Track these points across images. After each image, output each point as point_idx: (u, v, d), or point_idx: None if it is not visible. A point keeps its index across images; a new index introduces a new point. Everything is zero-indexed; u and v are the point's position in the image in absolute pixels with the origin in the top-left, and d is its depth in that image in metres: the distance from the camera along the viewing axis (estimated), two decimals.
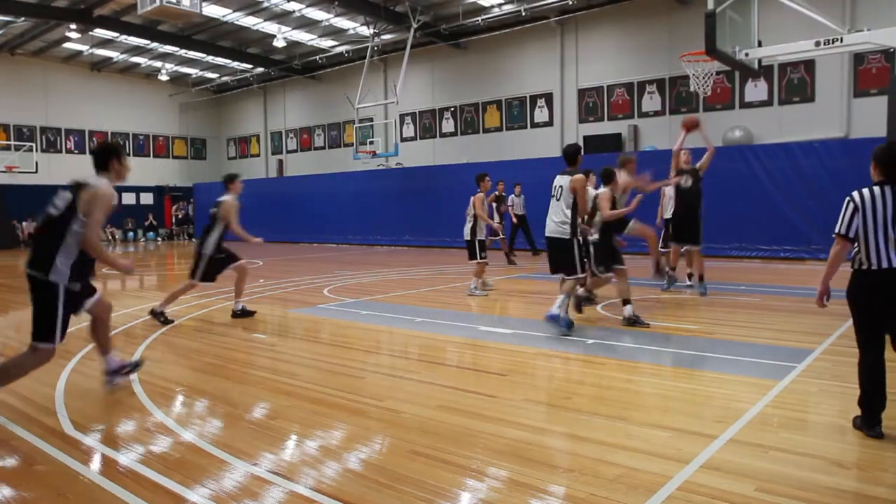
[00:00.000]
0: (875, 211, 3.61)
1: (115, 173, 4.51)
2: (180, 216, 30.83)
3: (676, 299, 8.98)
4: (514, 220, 15.88)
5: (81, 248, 4.22)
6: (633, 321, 6.87)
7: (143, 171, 30.27)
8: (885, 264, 3.58)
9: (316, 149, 28.34)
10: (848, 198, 3.70)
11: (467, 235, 9.88)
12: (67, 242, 4.20)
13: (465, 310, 8.57)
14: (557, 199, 6.63)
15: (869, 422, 3.65)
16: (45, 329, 4.22)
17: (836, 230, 3.72)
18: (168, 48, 24.93)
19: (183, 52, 25.48)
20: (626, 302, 6.95)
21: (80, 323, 7.85)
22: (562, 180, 6.64)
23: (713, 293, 9.25)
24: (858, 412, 3.72)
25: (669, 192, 10.02)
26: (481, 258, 9.80)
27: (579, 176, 6.53)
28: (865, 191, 3.66)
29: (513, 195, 15.95)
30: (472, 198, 9.85)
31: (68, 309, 4.30)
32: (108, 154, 4.51)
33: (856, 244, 3.70)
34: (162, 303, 7.87)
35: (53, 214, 4.27)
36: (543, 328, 6.96)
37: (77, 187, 4.27)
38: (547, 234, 6.76)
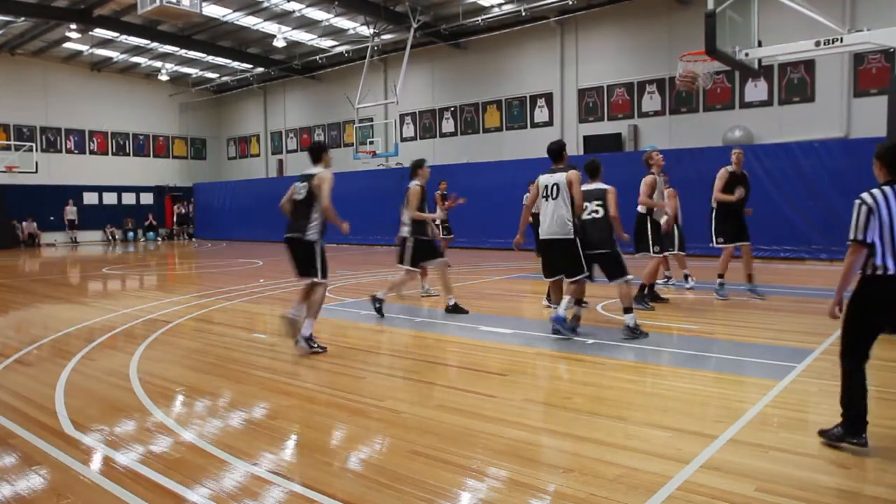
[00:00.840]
0: (890, 212, 3.41)
1: (325, 162, 6.26)
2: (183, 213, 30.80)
3: (677, 299, 8.98)
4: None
5: (323, 215, 6.14)
6: (634, 331, 6.38)
7: (143, 171, 30.31)
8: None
9: None
10: (858, 201, 3.47)
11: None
12: (314, 212, 6.11)
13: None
14: (554, 199, 6.35)
15: (858, 430, 3.48)
16: (322, 270, 6.22)
17: (852, 236, 3.45)
18: (168, 48, 24.95)
19: (183, 52, 25.49)
20: (627, 310, 6.47)
21: (79, 323, 7.86)
22: (554, 178, 6.39)
23: (714, 293, 9.24)
24: None
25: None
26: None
27: (575, 171, 6.39)
28: (876, 192, 3.45)
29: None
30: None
31: (325, 255, 6.26)
32: (318, 150, 6.27)
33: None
34: (386, 292, 8.04)
35: (300, 199, 6.16)
36: (544, 328, 6.95)
37: (308, 178, 6.09)
38: (547, 236, 6.45)
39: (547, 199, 6.44)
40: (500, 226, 17.83)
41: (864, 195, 3.48)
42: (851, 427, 3.49)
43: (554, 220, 6.39)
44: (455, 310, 8.03)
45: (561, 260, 6.49)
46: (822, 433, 3.59)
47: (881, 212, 3.41)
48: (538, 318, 7.62)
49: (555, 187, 6.38)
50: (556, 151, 6.55)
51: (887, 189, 3.47)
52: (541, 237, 6.58)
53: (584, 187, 6.64)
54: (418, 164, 8.37)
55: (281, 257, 17.97)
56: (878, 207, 3.41)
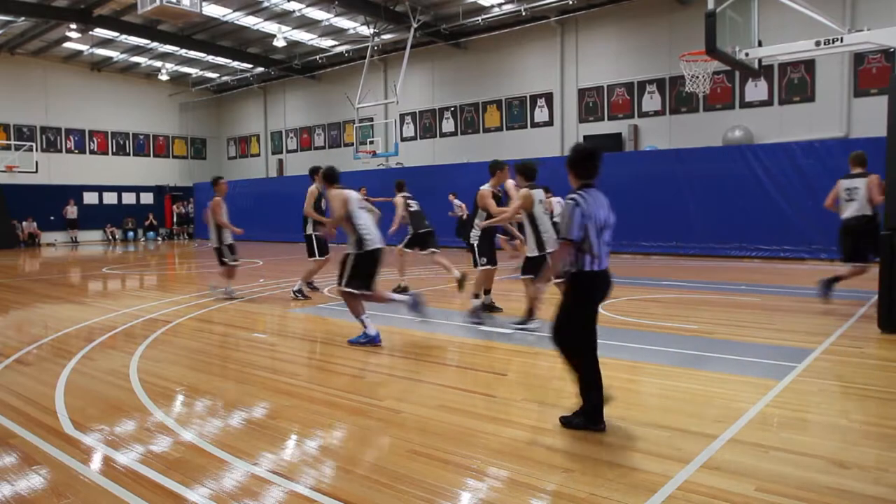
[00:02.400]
0: (596, 213, 3.74)
1: (318, 182, 8.92)
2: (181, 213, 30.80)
3: (676, 299, 8.98)
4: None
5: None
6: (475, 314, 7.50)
7: (143, 171, 30.30)
8: (605, 265, 3.82)
9: (316, 149, 28.34)
10: (572, 202, 3.72)
11: (214, 243, 9.83)
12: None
13: (466, 309, 8.55)
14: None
15: (598, 417, 3.81)
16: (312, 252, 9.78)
17: (565, 234, 3.71)
18: (168, 48, 24.93)
19: (183, 51, 25.48)
20: (476, 296, 7.73)
21: (79, 323, 7.86)
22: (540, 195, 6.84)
23: (713, 293, 9.24)
24: (854, 411, 3.71)
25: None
26: (233, 260, 9.86)
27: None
28: (584, 194, 3.74)
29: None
30: (210, 203, 9.74)
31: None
32: (313, 172, 8.78)
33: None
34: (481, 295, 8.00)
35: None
36: (543, 328, 6.95)
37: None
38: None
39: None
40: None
41: (576, 197, 3.73)
42: (593, 415, 3.82)
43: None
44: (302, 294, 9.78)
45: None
46: (563, 421, 3.90)
47: (590, 214, 3.71)
48: (538, 318, 7.61)
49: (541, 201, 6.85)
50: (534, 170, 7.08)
51: (588, 192, 3.76)
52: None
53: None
54: (495, 166, 7.84)
55: (281, 257, 17.97)
56: (589, 209, 3.71)
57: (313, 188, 9.61)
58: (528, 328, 6.77)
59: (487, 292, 8.11)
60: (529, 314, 6.87)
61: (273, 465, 3.42)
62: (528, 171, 6.88)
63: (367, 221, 6.44)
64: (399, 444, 3.71)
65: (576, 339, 3.88)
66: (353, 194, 6.49)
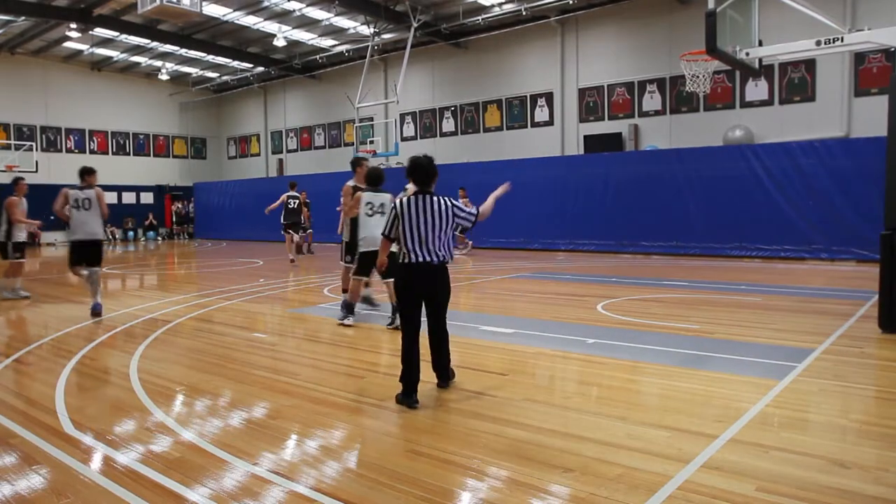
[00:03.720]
0: (413, 215, 4.43)
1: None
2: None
3: (677, 299, 8.98)
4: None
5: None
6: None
7: (143, 171, 30.29)
8: (420, 258, 4.44)
9: (316, 148, 28.34)
10: (391, 206, 4.62)
11: (2, 237, 10.23)
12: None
13: (466, 309, 8.57)
14: (382, 214, 7.04)
15: (410, 393, 4.38)
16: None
17: (383, 232, 4.64)
18: (168, 47, 24.92)
19: (183, 51, 25.47)
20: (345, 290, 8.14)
21: (79, 323, 7.86)
22: (381, 198, 7.15)
23: (714, 293, 9.23)
24: (854, 411, 3.73)
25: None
26: (15, 258, 10.25)
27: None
28: (404, 200, 4.51)
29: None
30: (6, 202, 10.22)
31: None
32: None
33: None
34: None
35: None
36: (544, 328, 6.96)
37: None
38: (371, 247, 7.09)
39: (372, 216, 7.16)
40: (500, 225, 17.83)
41: (396, 202, 4.55)
42: (407, 392, 4.40)
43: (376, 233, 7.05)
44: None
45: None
46: (396, 396, 4.47)
47: (408, 215, 4.44)
48: (538, 318, 7.62)
49: (382, 206, 7.14)
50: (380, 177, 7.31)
51: (415, 197, 4.48)
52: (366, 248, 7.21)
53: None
54: (355, 163, 8.04)
55: (281, 257, 17.98)
56: (403, 212, 4.46)
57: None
58: (344, 323, 7.46)
59: (367, 285, 8.22)
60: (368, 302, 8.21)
61: (273, 465, 3.42)
62: (368, 176, 7.45)
63: (78, 217, 8.27)
64: (399, 444, 3.71)
65: (402, 319, 4.59)
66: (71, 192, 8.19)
